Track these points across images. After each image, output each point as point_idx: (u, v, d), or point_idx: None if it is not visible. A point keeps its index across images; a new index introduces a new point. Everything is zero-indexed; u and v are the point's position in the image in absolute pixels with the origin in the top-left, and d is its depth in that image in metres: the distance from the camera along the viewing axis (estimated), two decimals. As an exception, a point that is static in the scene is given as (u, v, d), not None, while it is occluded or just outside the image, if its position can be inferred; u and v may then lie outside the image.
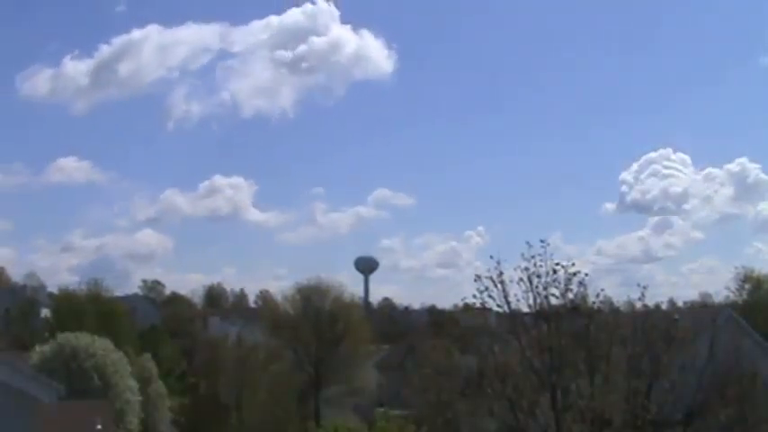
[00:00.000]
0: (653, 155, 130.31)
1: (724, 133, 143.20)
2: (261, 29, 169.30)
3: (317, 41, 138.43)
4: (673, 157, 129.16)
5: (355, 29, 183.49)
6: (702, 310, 42.21)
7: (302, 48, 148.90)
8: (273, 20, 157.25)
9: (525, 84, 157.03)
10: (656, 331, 18.96)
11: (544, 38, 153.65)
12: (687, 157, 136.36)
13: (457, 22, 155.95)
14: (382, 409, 44.81)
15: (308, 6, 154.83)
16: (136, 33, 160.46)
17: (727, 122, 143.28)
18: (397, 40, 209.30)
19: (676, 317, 21.97)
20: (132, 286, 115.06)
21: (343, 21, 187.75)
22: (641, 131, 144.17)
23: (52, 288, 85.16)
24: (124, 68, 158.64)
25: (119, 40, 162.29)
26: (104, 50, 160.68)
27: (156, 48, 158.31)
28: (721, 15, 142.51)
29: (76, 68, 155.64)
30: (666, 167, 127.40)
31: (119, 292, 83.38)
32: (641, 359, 18.49)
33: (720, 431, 20.52)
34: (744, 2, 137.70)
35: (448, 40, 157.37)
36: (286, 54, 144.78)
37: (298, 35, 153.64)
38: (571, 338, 18.29)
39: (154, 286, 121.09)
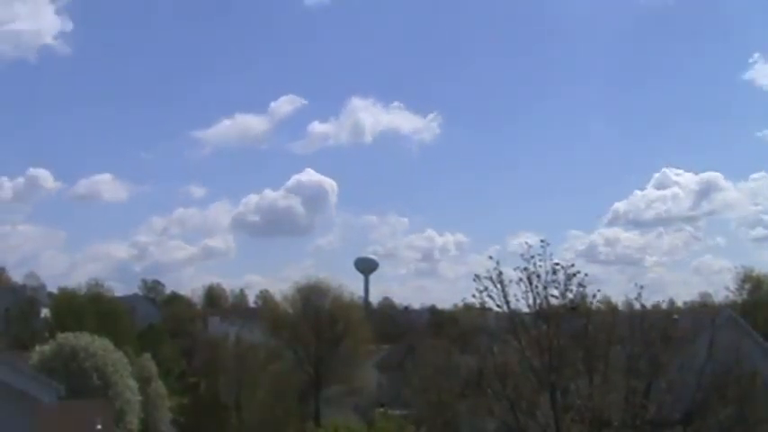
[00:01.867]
0: (663, 167, 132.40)
1: (729, 143, 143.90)
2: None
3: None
4: (678, 168, 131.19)
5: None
6: (702, 310, 42.23)
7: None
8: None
9: (531, 92, 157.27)
10: (655, 331, 18.98)
11: (553, 46, 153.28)
12: (692, 169, 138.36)
13: (459, 23, 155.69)
14: (382, 409, 44.79)
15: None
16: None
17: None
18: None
19: (675, 317, 22.02)
20: (132, 286, 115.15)
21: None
22: (644, 139, 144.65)
23: (52, 288, 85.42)
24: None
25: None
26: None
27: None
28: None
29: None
30: (671, 175, 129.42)
31: (119, 292, 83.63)
32: (640, 359, 18.50)
33: (720, 431, 20.53)
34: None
35: (454, 43, 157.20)
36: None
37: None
38: (570, 338, 18.30)
39: (154, 286, 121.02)
